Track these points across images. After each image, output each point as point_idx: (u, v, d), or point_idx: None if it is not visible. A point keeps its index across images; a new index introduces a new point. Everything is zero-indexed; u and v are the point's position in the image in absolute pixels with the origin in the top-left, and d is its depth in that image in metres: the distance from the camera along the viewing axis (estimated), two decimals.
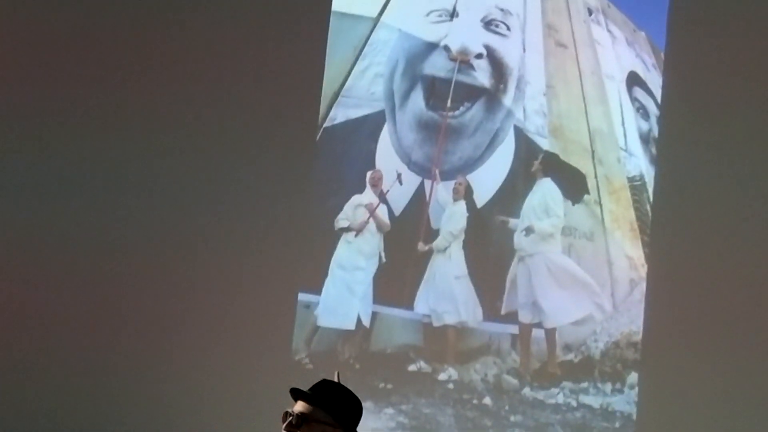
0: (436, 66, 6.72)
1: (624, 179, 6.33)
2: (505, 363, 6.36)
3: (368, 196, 6.76)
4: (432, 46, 6.74)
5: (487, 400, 6.35)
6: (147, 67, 6.98)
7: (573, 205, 6.38)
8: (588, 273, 6.28)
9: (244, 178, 6.85)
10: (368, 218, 6.72)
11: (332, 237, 6.75)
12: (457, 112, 6.66)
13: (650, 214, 6.18)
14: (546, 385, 6.22)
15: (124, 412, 6.72)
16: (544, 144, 6.49)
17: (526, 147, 6.52)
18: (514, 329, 6.37)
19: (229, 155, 6.89)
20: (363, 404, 3.59)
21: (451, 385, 6.43)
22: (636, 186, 6.27)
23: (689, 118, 6.03)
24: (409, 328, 6.57)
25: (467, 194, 6.62)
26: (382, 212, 6.74)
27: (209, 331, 6.75)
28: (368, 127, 6.80)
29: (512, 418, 6.25)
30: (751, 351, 5.77)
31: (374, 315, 6.64)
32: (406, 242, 6.65)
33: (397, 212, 6.73)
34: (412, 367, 6.53)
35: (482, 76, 6.65)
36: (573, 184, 6.39)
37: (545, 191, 6.44)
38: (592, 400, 6.12)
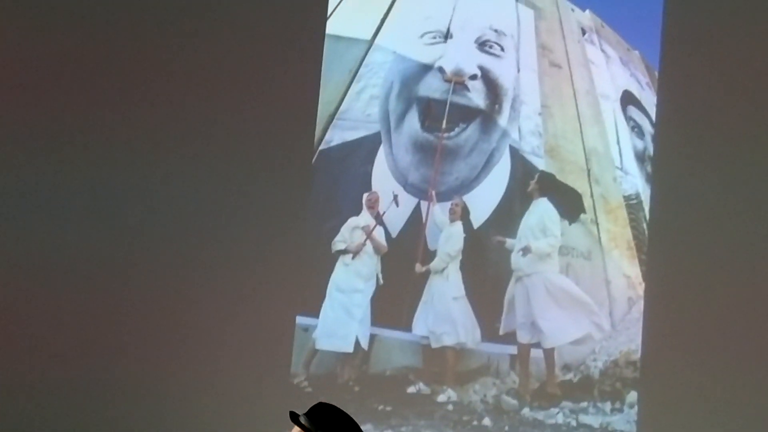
0: (431, 87, 6.74)
1: (620, 198, 6.33)
2: (505, 383, 6.34)
3: (365, 218, 6.77)
4: (427, 68, 6.76)
5: (487, 421, 6.33)
6: (142, 90, 6.98)
7: (570, 224, 6.38)
8: (586, 292, 6.28)
9: (241, 201, 6.85)
10: (365, 240, 6.72)
11: (330, 259, 6.74)
12: (452, 133, 6.67)
13: (647, 232, 6.18)
14: (545, 405, 6.21)
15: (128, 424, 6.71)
16: (540, 164, 6.50)
17: (522, 167, 6.53)
18: (512, 349, 6.36)
19: (226, 179, 6.88)
20: (363, 427, 3.58)
21: (450, 407, 6.41)
22: (632, 204, 6.28)
23: (684, 136, 6.04)
24: (407, 350, 6.56)
25: (464, 215, 6.62)
26: (379, 234, 6.74)
27: (208, 354, 6.73)
28: (364, 149, 6.80)
29: None
30: (750, 367, 5.76)
31: (373, 337, 6.63)
32: (404, 264, 6.65)
33: (394, 234, 6.73)
34: (411, 389, 6.51)
35: (477, 96, 6.66)
36: (569, 204, 6.39)
37: (542, 211, 6.44)
38: (592, 420, 6.10)
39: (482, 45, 6.72)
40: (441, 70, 6.72)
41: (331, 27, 6.81)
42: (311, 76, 6.86)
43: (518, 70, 6.67)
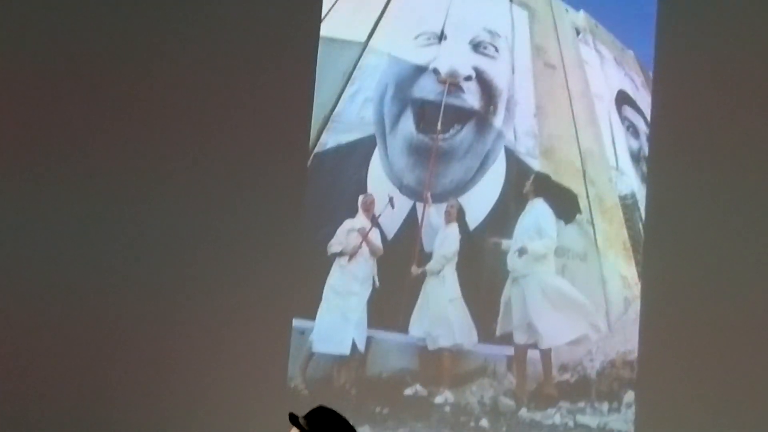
0: (426, 89, 6.74)
1: (616, 198, 6.34)
2: (502, 385, 6.34)
3: (360, 220, 6.76)
4: (421, 70, 6.76)
5: (484, 423, 6.33)
6: (135, 91, 6.98)
7: (565, 225, 6.38)
8: (582, 293, 6.27)
9: (235, 204, 6.84)
10: (361, 243, 6.72)
11: (325, 262, 6.74)
12: (447, 135, 6.67)
13: (642, 232, 6.18)
14: (543, 406, 6.21)
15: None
16: (535, 165, 6.50)
17: (517, 168, 6.53)
18: (509, 351, 6.36)
19: (220, 182, 6.88)
20: (360, 430, 3.59)
21: (447, 408, 6.41)
22: (628, 205, 6.28)
23: (679, 136, 6.04)
24: (404, 352, 6.56)
25: (459, 217, 6.62)
26: (374, 236, 6.74)
27: (204, 358, 6.73)
28: (359, 151, 6.80)
29: None
30: (747, 367, 5.76)
31: (369, 340, 6.63)
32: (400, 266, 6.65)
33: (389, 236, 6.73)
34: (408, 391, 6.51)
35: (472, 98, 6.66)
36: (565, 205, 6.39)
37: (537, 212, 6.44)
38: (589, 420, 6.10)
39: (476, 46, 6.72)
40: (435, 71, 6.72)
41: (326, 29, 6.81)
42: (305, 79, 6.86)
43: (513, 71, 6.67)
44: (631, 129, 6.38)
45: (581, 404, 6.13)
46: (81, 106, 6.91)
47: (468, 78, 6.67)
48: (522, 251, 6.42)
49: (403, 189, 6.72)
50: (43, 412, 6.70)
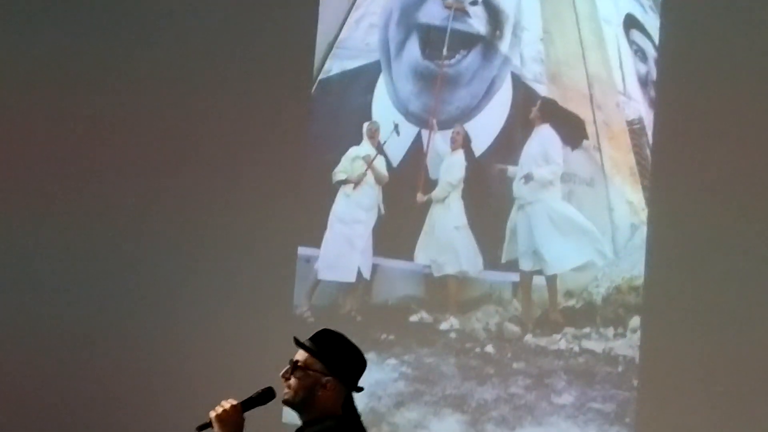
0: (431, 14, 6.66)
1: (623, 124, 6.27)
2: (507, 311, 6.35)
3: (366, 147, 6.73)
4: None
5: (489, 348, 6.35)
6: (137, 30, 6.95)
7: (572, 150, 6.33)
8: (588, 219, 6.24)
9: (239, 133, 6.83)
10: (366, 170, 6.69)
11: (331, 190, 6.72)
12: (453, 61, 6.60)
13: (650, 157, 6.14)
14: (548, 332, 6.21)
15: (132, 360, 6.76)
16: (542, 90, 6.44)
17: (523, 94, 6.47)
18: (515, 277, 6.35)
19: (223, 111, 6.87)
20: (366, 356, 3.60)
21: (453, 335, 6.43)
22: (635, 130, 6.22)
23: (688, 60, 5.97)
24: (409, 280, 6.56)
25: (465, 143, 6.57)
26: (379, 164, 6.71)
27: (211, 288, 6.76)
28: (364, 78, 6.75)
29: (515, 366, 6.25)
30: (753, 295, 5.75)
31: (374, 267, 6.63)
32: (405, 193, 6.63)
33: (395, 163, 6.70)
34: (413, 318, 6.52)
35: (478, 23, 6.58)
36: (572, 130, 6.34)
37: (544, 138, 6.39)
38: (595, 345, 6.11)
39: None
40: None
41: None
42: (309, 5, 6.80)
43: None
44: (639, 53, 6.30)
45: (586, 330, 6.13)
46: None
47: (474, 2, 6.58)
48: (528, 177, 6.38)
49: (409, 116, 6.67)
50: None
